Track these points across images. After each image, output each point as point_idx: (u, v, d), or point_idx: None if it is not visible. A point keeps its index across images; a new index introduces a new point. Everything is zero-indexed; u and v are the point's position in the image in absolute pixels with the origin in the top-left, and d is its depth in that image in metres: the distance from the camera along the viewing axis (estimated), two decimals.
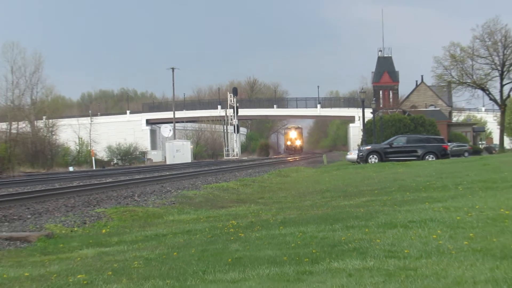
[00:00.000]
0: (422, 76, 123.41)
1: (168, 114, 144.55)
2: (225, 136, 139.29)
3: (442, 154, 67.08)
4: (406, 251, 13.08)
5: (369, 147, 71.65)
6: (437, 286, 9.85)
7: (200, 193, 35.22)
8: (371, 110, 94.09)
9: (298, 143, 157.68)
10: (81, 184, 45.70)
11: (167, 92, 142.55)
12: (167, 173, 60.98)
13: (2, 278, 13.52)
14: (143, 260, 14.42)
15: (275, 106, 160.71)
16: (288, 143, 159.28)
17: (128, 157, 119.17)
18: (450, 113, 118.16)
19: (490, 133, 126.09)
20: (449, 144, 75.28)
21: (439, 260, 11.91)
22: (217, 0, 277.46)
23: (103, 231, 21.29)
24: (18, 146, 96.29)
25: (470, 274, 10.56)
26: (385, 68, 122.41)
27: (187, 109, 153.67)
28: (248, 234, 17.58)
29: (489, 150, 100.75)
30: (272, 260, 13.00)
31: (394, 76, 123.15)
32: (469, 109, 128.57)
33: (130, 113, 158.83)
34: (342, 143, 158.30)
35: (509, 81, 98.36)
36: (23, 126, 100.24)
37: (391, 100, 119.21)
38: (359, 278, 10.82)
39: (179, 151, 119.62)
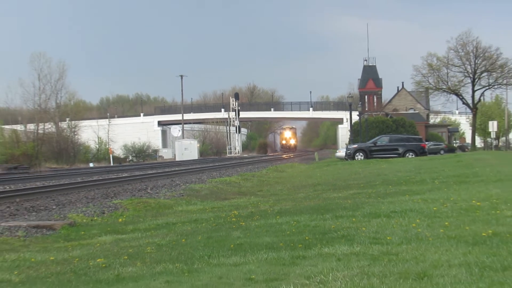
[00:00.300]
0: (402, 82, 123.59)
1: (177, 116, 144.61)
2: (228, 136, 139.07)
3: (420, 152, 67.24)
4: (388, 238, 13.09)
5: (355, 145, 71.69)
6: (416, 269, 9.83)
7: (206, 186, 35.21)
8: (357, 113, 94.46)
9: (292, 142, 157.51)
10: (100, 178, 45.68)
11: (176, 97, 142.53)
12: (176, 169, 60.98)
13: (30, 262, 13.52)
14: (155, 246, 14.42)
15: (272, 109, 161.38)
16: (283, 142, 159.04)
17: (142, 154, 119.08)
18: (428, 115, 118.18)
19: (463, 133, 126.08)
20: (426, 143, 75.33)
21: (418, 246, 11.91)
22: (222, 15, 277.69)
23: (120, 220, 21.28)
24: (44, 145, 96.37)
25: (446, 258, 10.56)
26: (370, 76, 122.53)
27: (194, 112, 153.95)
28: (248, 223, 17.57)
29: (462, 148, 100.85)
30: (270, 246, 13.01)
31: (378, 82, 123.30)
32: (445, 112, 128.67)
33: (144, 115, 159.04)
34: (332, 142, 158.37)
35: (480, 87, 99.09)
36: (49, 127, 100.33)
37: (375, 104, 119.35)
38: (347, 262, 10.82)
39: (187, 149, 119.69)
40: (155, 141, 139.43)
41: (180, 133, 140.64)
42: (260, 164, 71.76)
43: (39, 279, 11.49)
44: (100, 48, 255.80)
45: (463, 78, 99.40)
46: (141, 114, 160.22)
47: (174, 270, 11.22)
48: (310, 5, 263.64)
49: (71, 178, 49.60)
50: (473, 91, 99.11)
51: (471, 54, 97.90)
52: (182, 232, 16.83)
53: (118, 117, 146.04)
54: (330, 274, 9.84)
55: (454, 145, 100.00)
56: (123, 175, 49.75)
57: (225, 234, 15.54)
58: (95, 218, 21.79)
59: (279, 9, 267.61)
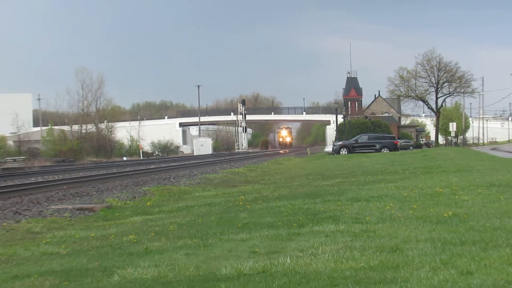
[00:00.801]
0: (379, 91, 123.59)
1: (195, 119, 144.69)
2: (236, 135, 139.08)
3: (393, 148, 67.23)
4: (367, 218, 13.06)
5: (340, 142, 71.68)
6: (390, 244, 9.81)
7: (218, 176, 35.20)
8: (342, 116, 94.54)
9: (288, 139, 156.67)
10: (132, 169, 45.77)
11: (194, 102, 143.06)
12: (194, 162, 61.00)
13: (75, 237, 13.52)
14: (177, 224, 14.41)
15: (272, 113, 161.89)
16: (281, 139, 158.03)
17: (166, 150, 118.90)
18: (399, 118, 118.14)
19: (428, 132, 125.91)
20: (398, 140, 75.27)
21: (391, 225, 11.89)
22: (232, 36, 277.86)
23: (148, 203, 21.26)
24: (86, 142, 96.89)
25: (414, 235, 10.54)
26: (352, 85, 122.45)
27: (208, 115, 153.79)
28: (253, 206, 17.54)
29: (428, 145, 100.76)
30: (270, 225, 12.98)
31: (358, 91, 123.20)
32: (413, 115, 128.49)
33: (168, 118, 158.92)
34: (321, 140, 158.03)
35: (442, 95, 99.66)
36: (90, 127, 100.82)
37: (356, 108, 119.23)
38: (333, 238, 10.81)
39: (203, 146, 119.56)
40: (177, 139, 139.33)
41: (197, 133, 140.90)
42: (262, 158, 71.73)
43: (82, 252, 11.49)
44: (132, 62, 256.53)
45: (428, 87, 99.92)
46: (166, 117, 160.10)
47: (192, 244, 11.21)
48: (305, 28, 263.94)
49: (108, 169, 49.69)
50: (436, 98, 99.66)
51: (435, 67, 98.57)
52: (199, 213, 16.82)
53: (147, 119, 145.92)
54: (320, 248, 9.83)
55: (421, 142, 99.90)
56: (151, 167, 49.81)
57: (234, 215, 15.52)
58: (128, 202, 21.79)
59: (279, 31, 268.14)
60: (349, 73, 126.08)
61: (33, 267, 10.02)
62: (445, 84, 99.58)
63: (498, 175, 23.43)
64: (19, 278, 9.09)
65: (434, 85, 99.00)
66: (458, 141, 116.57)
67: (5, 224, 16.19)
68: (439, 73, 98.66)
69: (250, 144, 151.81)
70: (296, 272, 8.22)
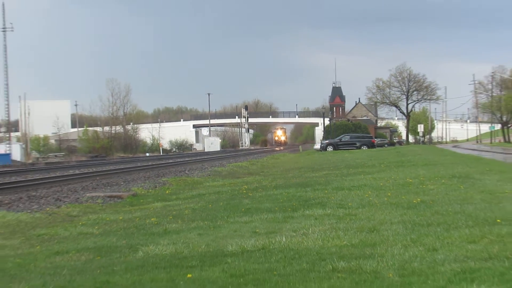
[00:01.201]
0: (359, 98, 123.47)
1: (206, 121, 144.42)
2: (240, 135, 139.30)
3: (371, 145, 67.16)
4: (350, 204, 13.07)
5: (327, 141, 71.60)
6: (368, 225, 9.81)
7: (225, 169, 35.20)
8: (328, 119, 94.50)
9: (283, 138, 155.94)
10: (153, 163, 45.76)
11: (205, 107, 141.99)
12: (205, 157, 61.00)
13: (106, 220, 13.52)
14: (191, 209, 14.41)
15: (270, 116, 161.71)
16: (276, 138, 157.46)
17: (182, 147, 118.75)
18: (376, 120, 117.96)
19: (400, 132, 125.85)
20: (375, 139, 75.21)
21: (370, 209, 11.89)
22: (238, 51, 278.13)
23: (167, 192, 21.25)
24: (115, 141, 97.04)
25: (388, 218, 10.54)
26: (337, 94, 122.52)
27: (217, 118, 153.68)
28: (254, 194, 17.55)
29: (400, 143, 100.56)
30: (269, 210, 12.99)
31: (342, 98, 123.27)
32: (388, 118, 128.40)
33: (183, 120, 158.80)
34: (311, 139, 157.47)
35: (411, 101, 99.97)
36: (118, 128, 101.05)
37: (340, 113, 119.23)
38: (321, 220, 10.82)
39: (213, 144, 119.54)
40: (191, 138, 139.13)
41: (208, 133, 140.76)
42: (262, 154, 71.80)
43: (112, 232, 11.51)
44: (154, 73, 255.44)
45: (400, 95, 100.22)
46: (181, 120, 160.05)
47: (203, 226, 11.22)
48: (297, 45, 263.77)
49: (133, 163, 49.72)
50: (407, 104, 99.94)
51: (406, 78, 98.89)
52: (209, 200, 16.82)
53: (166, 122, 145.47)
54: (310, 229, 9.84)
55: (394, 141, 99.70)
56: (169, 161, 49.87)
57: (238, 201, 15.52)
58: (150, 190, 21.79)
59: (277, 47, 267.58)
60: (334, 83, 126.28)
61: (71, 245, 10.04)
62: (414, 92, 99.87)
63: (459, 168, 23.46)
64: (60, 254, 9.11)
65: (405, 93, 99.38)
66: (425, 140, 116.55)
67: (48, 209, 16.24)
68: (409, 83, 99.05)
69: (252, 142, 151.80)
70: (290, 249, 8.23)
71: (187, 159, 56.69)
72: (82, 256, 8.83)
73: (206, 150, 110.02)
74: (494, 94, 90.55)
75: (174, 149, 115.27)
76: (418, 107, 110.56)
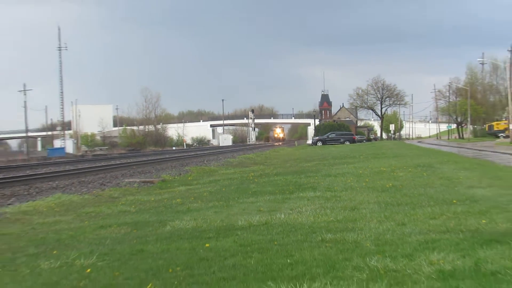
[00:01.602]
0: (343, 103, 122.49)
1: (220, 122, 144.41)
2: (248, 132, 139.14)
3: (352, 141, 67.12)
4: (335, 187, 13.06)
5: (317, 137, 71.63)
6: (350, 205, 9.80)
7: (236, 160, 35.18)
8: (318, 120, 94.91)
9: (281, 135, 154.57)
10: (178, 155, 45.80)
11: (220, 110, 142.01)
12: (220, 150, 60.97)
13: (140, 200, 13.53)
14: (208, 192, 14.42)
15: (272, 118, 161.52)
16: (276, 135, 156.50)
17: (201, 142, 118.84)
18: (356, 121, 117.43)
19: (376, 131, 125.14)
20: (356, 136, 75.12)
21: (351, 192, 11.88)
22: (245, 67, 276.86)
23: (189, 178, 21.25)
24: (148, 137, 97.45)
25: (366, 199, 10.53)
26: (325, 99, 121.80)
27: (229, 119, 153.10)
28: (259, 179, 17.56)
29: (375, 139, 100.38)
30: (270, 192, 13.00)
31: (329, 103, 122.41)
32: (366, 119, 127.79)
33: (202, 121, 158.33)
34: (304, 135, 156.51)
35: (385, 106, 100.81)
36: (151, 127, 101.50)
37: (328, 115, 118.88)
38: (313, 200, 10.82)
39: (226, 140, 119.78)
40: (208, 135, 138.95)
41: (222, 131, 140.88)
42: (265, 148, 71.75)
43: (145, 210, 11.53)
44: (180, 81, 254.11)
45: (375, 101, 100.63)
46: (201, 121, 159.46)
47: (218, 205, 11.23)
48: (294, 59, 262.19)
49: (162, 155, 49.77)
50: (381, 108, 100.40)
51: (380, 88, 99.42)
52: (223, 185, 16.83)
53: (188, 122, 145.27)
54: (303, 207, 9.84)
55: (371, 137, 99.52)
56: (191, 154, 49.88)
57: (246, 186, 15.53)
58: (176, 177, 21.81)
59: (278, 61, 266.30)
60: (323, 91, 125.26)
61: (113, 220, 10.07)
62: (386, 99, 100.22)
63: (422, 159, 23.42)
64: (104, 228, 9.14)
65: (379, 99, 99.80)
66: (396, 136, 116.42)
67: (94, 191, 16.31)
68: (382, 91, 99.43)
69: (257, 138, 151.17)
70: (287, 224, 8.23)
71: (205, 152, 56.74)
72: (121, 229, 8.86)
73: (220, 145, 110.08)
74: (450, 100, 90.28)
75: (195, 144, 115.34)
76: (390, 110, 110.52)
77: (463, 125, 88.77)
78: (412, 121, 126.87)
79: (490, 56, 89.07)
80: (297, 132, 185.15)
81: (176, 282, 5.24)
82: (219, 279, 5.24)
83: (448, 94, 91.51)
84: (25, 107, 76.76)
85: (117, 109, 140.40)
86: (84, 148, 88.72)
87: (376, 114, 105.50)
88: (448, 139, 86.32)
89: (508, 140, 51.52)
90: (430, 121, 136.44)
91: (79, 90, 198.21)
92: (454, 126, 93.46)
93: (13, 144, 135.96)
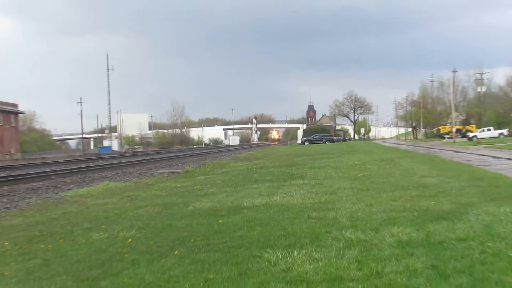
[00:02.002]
0: (325, 112, 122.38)
1: (230, 126, 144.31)
2: (252, 134, 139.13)
3: (332, 141, 67.07)
4: (319, 177, 13.02)
5: (305, 138, 71.70)
6: (330, 190, 9.77)
7: (242, 155, 35.17)
8: (305, 124, 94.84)
9: (277, 136, 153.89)
10: (198, 152, 45.85)
11: (230, 117, 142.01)
12: (230, 148, 61.04)
13: (169, 187, 13.49)
14: (221, 180, 14.40)
15: (270, 123, 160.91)
16: (272, 136, 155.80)
17: (216, 142, 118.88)
18: (335, 126, 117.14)
19: (350, 133, 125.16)
20: (335, 137, 74.98)
21: (331, 180, 11.83)
22: (251, 83, 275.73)
23: (207, 169, 21.22)
24: (175, 138, 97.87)
25: (342, 185, 10.47)
26: (311, 109, 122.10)
27: (238, 124, 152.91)
28: (260, 171, 17.53)
29: (349, 140, 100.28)
30: (269, 180, 12.96)
31: (314, 112, 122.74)
32: (342, 124, 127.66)
33: (217, 126, 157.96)
34: (295, 137, 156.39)
35: (357, 114, 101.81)
36: (177, 131, 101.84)
37: (313, 121, 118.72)
38: (301, 187, 10.77)
39: (235, 140, 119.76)
40: (221, 136, 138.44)
41: (232, 133, 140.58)
42: (264, 146, 71.75)
43: (173, 194, 11.50)
44: (199, 95, 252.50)
45: (349, 110, 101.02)
46: (215, 125, 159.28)
47: (229, 190, 11.20)
48: (289, 78, 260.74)
49: (186, 152, 49.74)
50: (354, 116, 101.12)
51: (353, 100, 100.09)
52: (232, 174, 16.81)
53: (206, 126, 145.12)
54: (294, 192, 9.82)
55: (346, 138, 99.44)
56: (208, 151, 49.94)
57: (250, 175, 15.50)
58: (196, 168, 21.78)
59: (275, 80, 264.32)
60: (309, 103, 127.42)
61: (148, 202, 10.07)
62: (358, 108, 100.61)
63: (385, 155, 23.38)
64: (141, 207, 9.14)
65: (353, 109, 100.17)
66: (365, 137, 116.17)
67: (134, 180, 16.31)
68: (355, 103, 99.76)
69: (259, 139, 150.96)
70: (282, 204, 8.22)
71: (219, 149, 56.79)
72: (154, 208, 8.86)
73: (230, 144, 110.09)
74: (407, 109, 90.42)
75: (211, 143, 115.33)
76: (361, 117, 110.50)
77: (416, 128, 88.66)
78: (377, 125, 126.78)
79: (438, 76, 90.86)
80: (290, 134, 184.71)
81: (196, 249, 5.25)
82: (230, 247, 5.24)
83: (405, 105, 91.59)
84: (81, 115, 77.25)
85: (151, 116, 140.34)
86: (126, 146, 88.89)
87: (350, 120, 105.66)
88: (405, 139, 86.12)
89: (451, 140, 51.39)
90: (391, 126, 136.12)
91: (122, 101, 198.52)
92: (410, 129, 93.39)
93: (72, 143, 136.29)
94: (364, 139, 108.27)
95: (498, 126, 62.81)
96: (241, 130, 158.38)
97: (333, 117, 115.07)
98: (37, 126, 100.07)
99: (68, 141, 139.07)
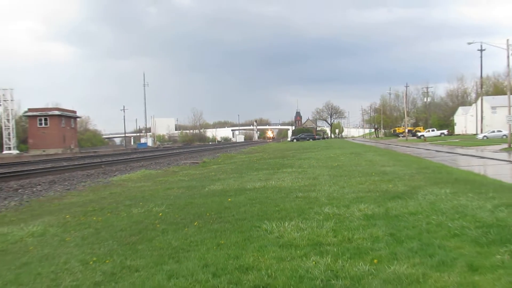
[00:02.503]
0: (309, 116, 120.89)
1: (237, 128, 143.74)
2: (253, 134, 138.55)
3: (314, 139, 66.73)
4: (304, 166, 12.92)
5: (294, 137, 71.34)
6: (313, 176, 9.71)
7: (246, 150, 35.04)
8: (294, 126, 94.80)
9: (271, 135, 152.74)
10: (212, 147, 45.68)
11: (237, 121, 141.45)
12: (236, 145, 60.85)
13: (191, 173, 13.41)
14: (230, 168, 14.31)
15: (267, 125, 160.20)
16: (268, 135, 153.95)
17: (226, 140, 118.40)
18: (316, 127, 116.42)
19: (328, 133, 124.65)
20: (316, 136, 74.77)
21: (313, 169, 11.74)
22: (249, 92, 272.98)
23: (219, 160, 21.08)
24: (195, 137, 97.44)
25: (322, 173, 10.42)
26: (298, 115, 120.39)
27: (242, 126, 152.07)
28: (259, 161, 17.43)
29: (327, 138, 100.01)
30: (266, 169, 12.88)
31: (300, 117, 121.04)
32: (322, 126, 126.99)
33: (226, 127, 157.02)
34: (286, 136, 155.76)
35: (333, 118, 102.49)
36: (196, 131, 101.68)
37: (299, 124, 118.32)
38: (290, 174, 10.66)
39: (240, 138, 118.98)
40: (230, 135, 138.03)
41: (238, 133, 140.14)
42: (263, 143, 71.58)
43: (193, 179, 11.43)
44: (214, 102, 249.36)
45: (327, 115, 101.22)
46: (225, 127, 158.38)
47: (236, 176, 11.12)
48: (281, 92, 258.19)
49: (203, 147, 49.55)
50: (331, 119, 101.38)
51: (330, 108, 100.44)
52: (238, 164, 16.73)
53: (218, 128, 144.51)
54: (285, 178, 9.74)
55: (324, 137, 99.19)
56: (220, 146, 49.74)
57: (252, 165, 15.39)
58: (211, 160, 21.64)
59: (272, 92, 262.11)
60: (297, 110, 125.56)
61: (175, 185, 10.03)
62: (333, 114, 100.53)
63: (354, 149, 23.26)
64: (169, 189, 9.10)
65: (330, 114, 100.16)
66: (339, 136, 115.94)
67: (164, 168, 16.29)
68: (331, 110, 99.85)
69: (258, 138, 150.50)
70: (276, 187, 8.17)
71: (228, 145, 56.63)
72: (179, 190, 8.82)
73: (237, 141, 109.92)
74: (371, 115, 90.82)
75: (222, 141, 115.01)
76: (336, 121, 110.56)
77: (378, 129, 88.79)
78: (349, 127, 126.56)
79: (394, 89, 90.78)
80: (282, 134, 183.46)
81: (211, 221, 5.23)
82: (236, 219, 5.21)
83: (369, 111, 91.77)
84: (124, 119, 78.30)
85: (177, 120, 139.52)
86: (158, 143, 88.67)
87: (327, 123, 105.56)
88: (370, 138, 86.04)
89: (404, 138, 51.33)
90: (359, 127, 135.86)
91: (155, 108, 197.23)
92: (373, 130, 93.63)
93: (117, 140, 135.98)
94: (338, 138, 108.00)
95: (439, 128, 63.28)
96: (245, 131, 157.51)
97: (315, 120, 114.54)
98: (91, 127, 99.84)
99: (114, 138, 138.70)
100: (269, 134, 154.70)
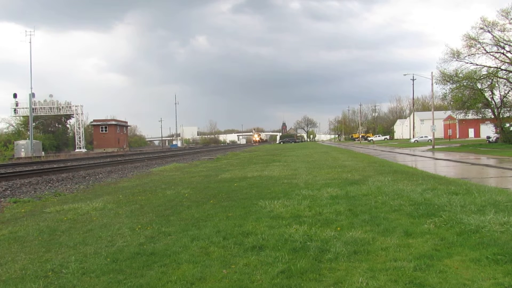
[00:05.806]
0: (291, 126, 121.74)
1: (241, 134, 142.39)
2: (252, 139, 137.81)
3: (295, 142, 66.47)
4: (288, 161, 12.82)
5: (281, 140, 71.51)
6: (294, 168, 9.62)
7: (247, 149, 34.78)
8: (281, 133, 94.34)
9: (264, 138, 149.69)
10: (223, 148, 45.36)
11: (241, 128, 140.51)
12: (241, 146, 60.44)
13: (208, 166, 13.22)
14: (235, 162, 14.15)
15: (262, 132, 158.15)
16: (254, 139, 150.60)
17: (233, 143, 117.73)
18: (297, 133, 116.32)
19: (305, 137, 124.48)
20: (297, 140, 74.49)
21: (294, 163, 11.64)
22: (260, 106, 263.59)
23: (228, 157, 20.69)
24: (211, 140, 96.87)
25: (300, 166, 10.29)
26: (284, 124, 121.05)
27: (244, 133, 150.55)
28: (257, 158, 17.23)
29: (304, 141, 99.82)
30: (261, 163, 12.75)
31: (285, 126, 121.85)
32: (301, 133, 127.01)
33: (233, 133, 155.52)
34: (275, 140, 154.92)
35: (308, 127, 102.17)
36: (212, 136, 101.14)
37: (285, 131, 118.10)
38: (278, 167, 10.60)
39: (243, 141, 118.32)
40: (236, 140, 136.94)
41: (242, 138, 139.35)
42: (259, 146, 71.00)
43: (210, 170, 11.19)
44: (225, 115, 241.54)
45: (304, 125, 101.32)
46: (233, 133, 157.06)
47: (240, 168, 10.99)
48: (272, 108, 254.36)
49: (217, 148, 49.14)
50: (307, 128, 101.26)
51: (306, 119, 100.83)
52: (242, 159, 16.55)
53: (228, 134, 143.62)
54: (275, 169, 9.66)
55: (303, 140, 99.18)
56: (229, 147, 49.37)
57: (251, 160, 15.22)
58: (222, 156, 21.31)
59: (265, 108, 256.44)
60: (283, 121, 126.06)
61: (196, 174, 9.90)
62: (309, 124, 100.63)
63: (323, 149, 23.17)
64: (193, 177, 8.95)
65: (306, 124, 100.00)
66: (313, 140, 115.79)
67: (188, 162, 16.06)
68: (307, 121, 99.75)
69: (254, 142, 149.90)
70: (268, 176, 8.08)
71: (235, 146, 56.31)
72: (200, 177, 8.71)
73: (241, 144, 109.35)
74: (336, 125, 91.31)
75: (230, 143, 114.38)
76: (310, 129, 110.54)
77: (340, 135, 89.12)
78: (319, 133, 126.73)
79: (352, 107, 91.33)
80: (272, 138, 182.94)
81: (222, 200, 5.18)
82: (240, 199, 5.16)
83: (334, 122, 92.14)
84: (161, 127, 78.72)
85: (198, 128, 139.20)
86: (185, 144, 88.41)
87: (305, 131, 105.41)
88: (335, 141, 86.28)
89: (359, 141, 51.46)
90: (327, 133, 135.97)
91: (183, 119, 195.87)
92: (337, 136, 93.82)
93: (156, 142, 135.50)
94: (312, 141, 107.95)
95: (384, 134, 64.13)
96: (246, 136, 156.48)
97: (296, 129, 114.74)
98: (137, 133, 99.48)
99: (154, 141, 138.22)
100: (256, 137, 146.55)
